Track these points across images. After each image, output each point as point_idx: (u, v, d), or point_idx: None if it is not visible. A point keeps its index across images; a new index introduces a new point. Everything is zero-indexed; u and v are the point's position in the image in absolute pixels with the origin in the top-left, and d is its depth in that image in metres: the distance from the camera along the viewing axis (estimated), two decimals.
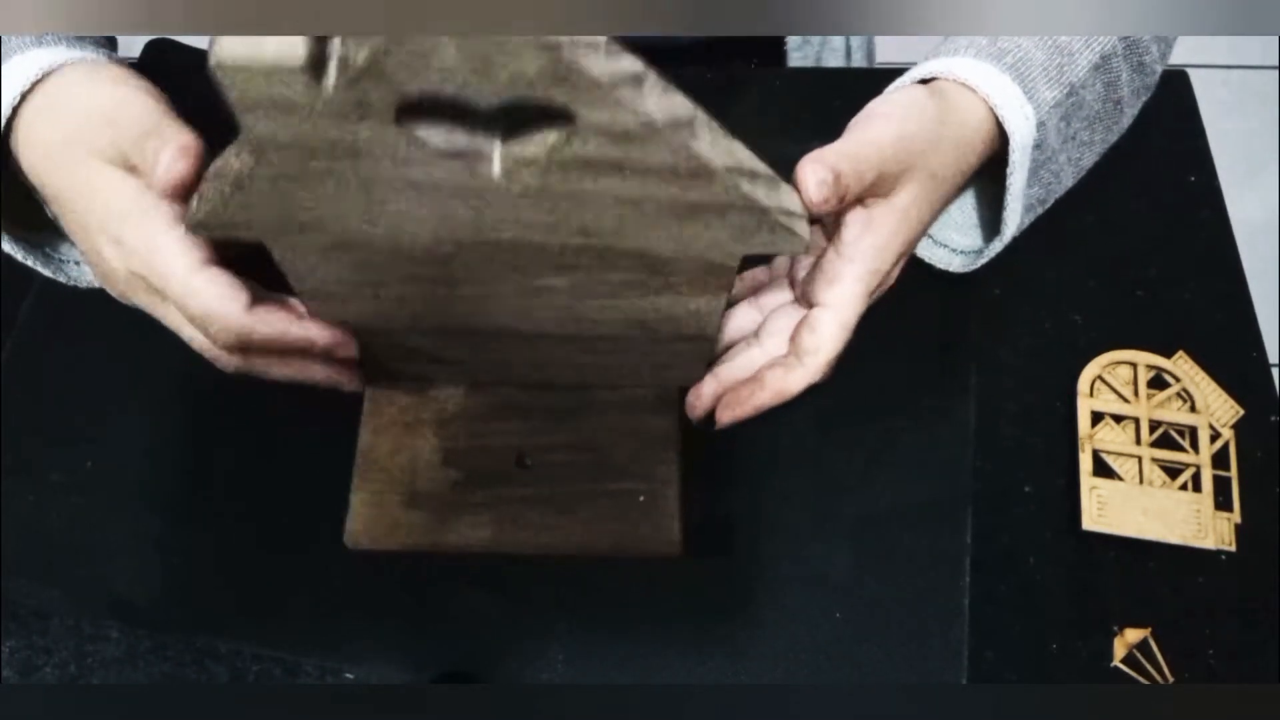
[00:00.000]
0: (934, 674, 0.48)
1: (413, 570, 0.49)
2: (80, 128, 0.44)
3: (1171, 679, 0.48)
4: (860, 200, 0.45)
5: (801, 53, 0.70)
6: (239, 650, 0.48)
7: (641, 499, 0.49)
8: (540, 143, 0.36)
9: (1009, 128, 0.47)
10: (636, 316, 0.45)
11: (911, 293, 0.56)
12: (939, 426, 0.53)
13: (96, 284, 0.50)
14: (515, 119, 0.35)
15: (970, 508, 0.51)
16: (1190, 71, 0.64)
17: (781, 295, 0.51)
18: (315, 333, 0.44)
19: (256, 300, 0.43)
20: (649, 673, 0.48)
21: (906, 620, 0.49)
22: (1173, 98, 0.63)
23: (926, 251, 0.55)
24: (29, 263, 0.50)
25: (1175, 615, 0.49)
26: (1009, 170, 0.48)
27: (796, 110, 0.62)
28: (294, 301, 0.45)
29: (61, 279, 0.52)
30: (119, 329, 0.54)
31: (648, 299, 0.44)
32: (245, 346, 0.43)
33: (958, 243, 0.55)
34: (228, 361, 0.45)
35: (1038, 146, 0.48)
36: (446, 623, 0.48)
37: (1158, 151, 0.62)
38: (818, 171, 0.40)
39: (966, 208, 0.55)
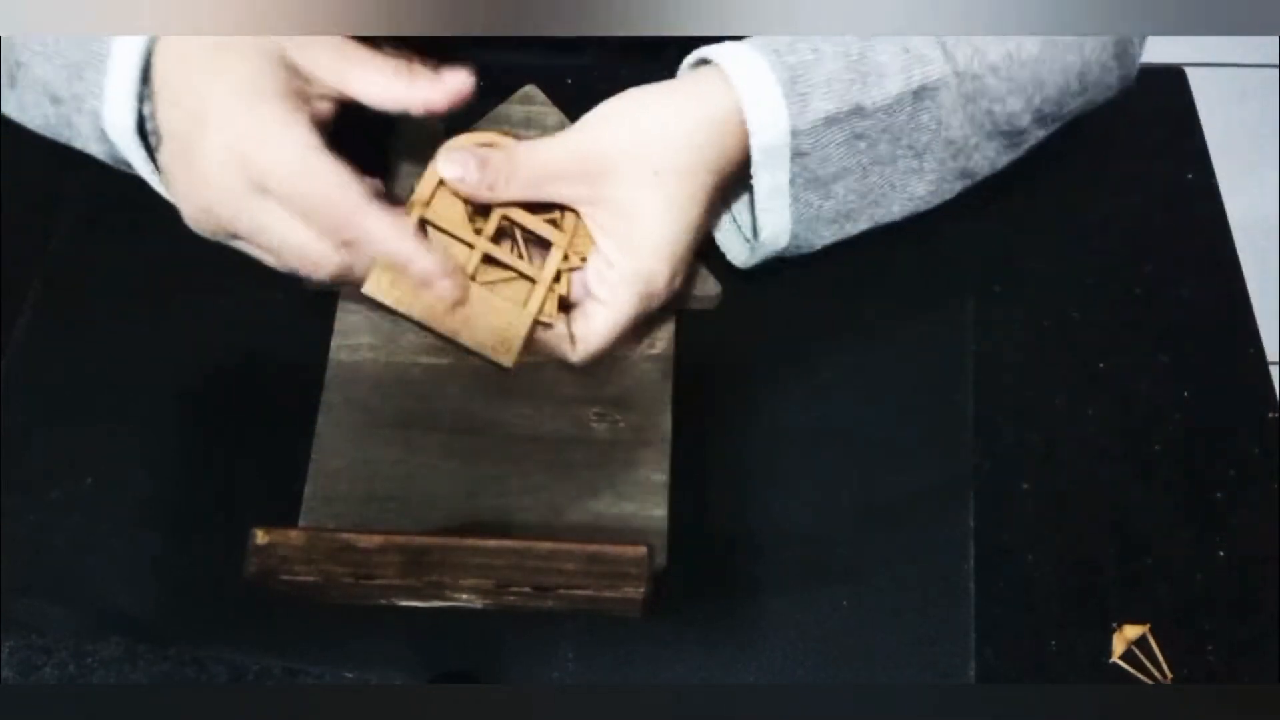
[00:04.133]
0: (943, 660, 0.48)
1: None
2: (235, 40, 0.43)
3: (1170, 675, 0.48)
4: (574, 204, 0.47)
5: None
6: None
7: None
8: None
9: (750, 125, 0.46)
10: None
11: (911, 288, 0.57)
12: (939, 421, 0.53)
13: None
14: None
15: (971, 498, 0.51)
16: (1188, 69, 0.64)
17: None
18: (424, 257, 0.43)
19: (374, 196, 0.42)
20: (659, 667, 0.48)
21: (913, 607, 0.49)
22: (1170, 95, 0.63)
23: (722, 237, 0.54)
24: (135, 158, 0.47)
25: (1174, 612, 0.49)
26: (753, 168, 0.48)
27: None
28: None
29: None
30: (117, 344, 0.54)
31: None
32: (350, 241, 0.42)
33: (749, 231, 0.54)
34: (327, 263, 0.43)
35: (804, 155, 0.47)
36: (457, 618, 0.48)
37: (1155, 149, 0.62)
38: (456, 162, 0.45)
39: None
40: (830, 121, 0.47)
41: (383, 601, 0.47)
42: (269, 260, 0.44)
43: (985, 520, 0.51)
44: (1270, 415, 0.54)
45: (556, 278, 0.47)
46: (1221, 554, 0.51)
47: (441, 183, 0.46)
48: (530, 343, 0.47)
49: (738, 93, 0.46)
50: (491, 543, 0.42)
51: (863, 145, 0.48)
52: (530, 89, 0.57)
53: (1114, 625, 0.49)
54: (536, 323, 0.47)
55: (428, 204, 0.45)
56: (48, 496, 0.51)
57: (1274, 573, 0.50)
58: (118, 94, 0.44)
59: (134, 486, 0.51)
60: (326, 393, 0.51)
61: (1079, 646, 0.49)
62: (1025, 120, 0.51)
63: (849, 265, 0.54)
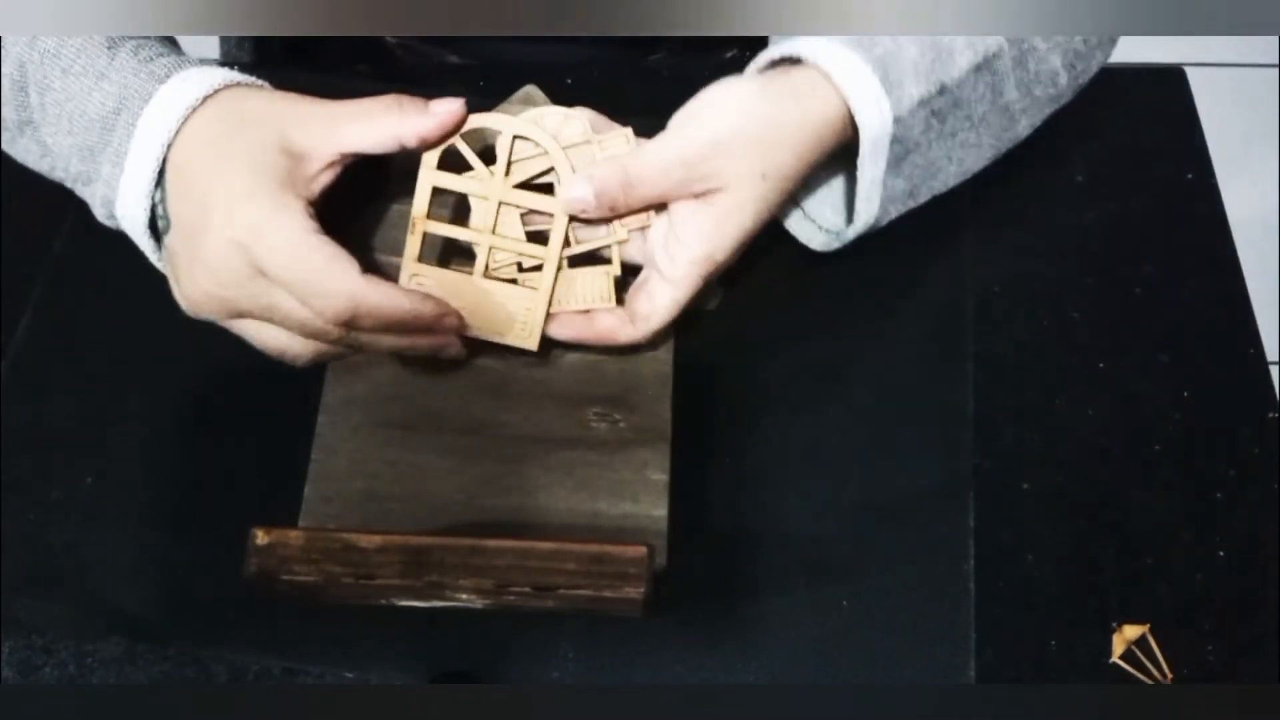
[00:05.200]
0: (943, 660, 0.48)
1: None
2: (248, 117, 0.46)
3: (1170, 675, 0.48)
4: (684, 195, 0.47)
5: None
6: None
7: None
8: None
9: (860, 121, 0.47)
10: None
11: (911, 288, 0.57)
12: (939, 421, 0.53)
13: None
14: None
15: (971, 498, 0.51)
16: (1188, 69, 0.64)
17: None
18: (423, 305, 0.46)
19: (366, 270, 0.45)
20: (659, 667, 0.48)
21: (913, 607, 0.49)
22: (1170, 95, 0.63)
23: (795, 225, 0.55)
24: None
25: (1174, 612, 0.49)
26: (859, 162, 0.49)
27: None
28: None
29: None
30: (117, 344, 0.54)
31: None
32: (351, 318, 0.44)
33: (828, 220, 0.55)
34: (323, 338, 0.46)
35: (897, 140, 0.49)
36: (457, 618, 0.48)
37: (1155, 149, 0.62)
38: (575, 190, 0.47)
39: (838, 189, 0.55)
40: (921, 104, 0.48)
41: (383, 601, 0.47)
42: (265, 343, 0.47)
43: (985, 520, 0.51)
44: (1270, 415, 0.54)
45: (566, 241, 0.49)
46: (1221, 554, 0.51)
47: (435, 192, 0.48)
48: (549, 321, 0.50)
49: (842, 91, 0.47)
50: (491, 543, 0.42)
51: (934, 122, 0.50)
52: (530, 89, 0.57)
53: (1114, 625, 0.49)
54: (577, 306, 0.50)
55: (427, 216, 0.49)
56: (48, 496, 0.51)
57: (1274, 573, 0.50)
58: (133, 192, 0.47)
59: (134, 486, 0.51)
60: (326, 393, 0.51)
61: (1079, 646, 0.49)
62: (1063, 79, 0.53)
63: (849, 265, 0.54)
